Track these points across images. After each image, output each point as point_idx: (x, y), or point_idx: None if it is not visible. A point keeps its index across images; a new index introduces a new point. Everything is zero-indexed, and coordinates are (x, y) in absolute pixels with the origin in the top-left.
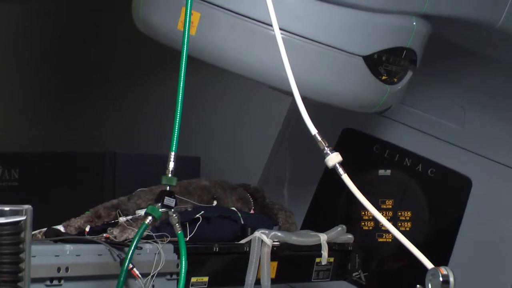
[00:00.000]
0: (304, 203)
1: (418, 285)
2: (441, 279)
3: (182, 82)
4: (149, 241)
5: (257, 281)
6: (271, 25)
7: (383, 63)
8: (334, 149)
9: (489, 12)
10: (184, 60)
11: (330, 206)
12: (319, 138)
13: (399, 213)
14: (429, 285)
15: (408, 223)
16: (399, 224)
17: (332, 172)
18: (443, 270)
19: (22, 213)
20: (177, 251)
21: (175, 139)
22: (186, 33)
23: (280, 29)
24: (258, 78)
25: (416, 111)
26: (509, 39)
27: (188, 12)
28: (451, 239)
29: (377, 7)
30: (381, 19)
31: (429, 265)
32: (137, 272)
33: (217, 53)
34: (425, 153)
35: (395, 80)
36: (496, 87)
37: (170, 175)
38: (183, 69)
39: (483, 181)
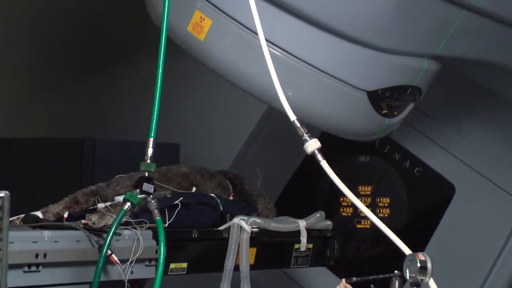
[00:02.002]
0: (275, 190)
1: (396, 271)
2: (418, 265)
3: (161, 68)
4: (127, 227)
5: (236, 267)
6: (277, 46)
7: (386, 99)
8: (321, 137)
9: (504, 53)
10: (163, 46)
11: (302, 193)
12: (298, 124)
13: (378, 200)
14: (407, 271)
15: (387, 210)
16: (378, 211)
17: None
18: (421, 256)
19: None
20: (156, 237)
21: (153, 125)
22: (165, 19)
23: (290, 54)
24: (257, 96)
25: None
26: None
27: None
28: (427, 236)
29: (390, 48)
30: (392, 58)
31: (407, 251)
32: (115, 258)
33: (221, 63)
34: (415, 151)
35: (395, 113)
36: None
37: (148, 161)
38: (162, 55)
39: (467, 192)
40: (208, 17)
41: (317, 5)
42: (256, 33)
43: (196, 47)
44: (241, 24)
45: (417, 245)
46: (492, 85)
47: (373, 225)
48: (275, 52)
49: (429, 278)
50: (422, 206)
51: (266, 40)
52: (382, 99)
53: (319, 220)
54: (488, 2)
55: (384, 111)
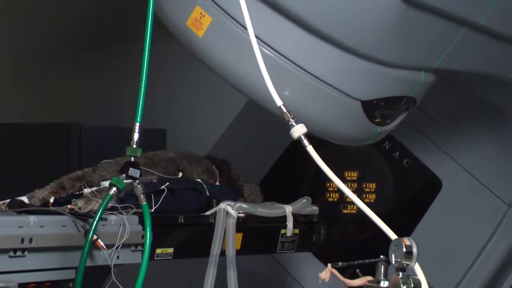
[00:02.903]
0: (259, 174)
1: (381, 256)
2: (404, 249)
3: (147, 53)
4: (114, 212)
5: (222, 253)
6: (276, 50)
7: (380, 108)
8: None
9: (503, 66)
10: (149, 32)
11: (288, 178)
12: (284, 110)
13: (364, 185)
14: (393, 256)
15: (373, 195)
16: (364, 196)
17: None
18: (407, 241)
19: None
20: (142, 222)
21: (140, 110)
22: (151, 5)
23: (288, 59)
24: (253, 98)
25: None
26: None
27: None
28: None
29: (389, 61)
30: (389, 71)
31: (392, 236)
32: (101, 243)
33: (217, 62)
34: (406, 143)
35: (388, 121)
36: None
37: (135, 146)
38: (147, 41)
39: (454, 189)
40: (209, 14)
41: (320, 15)
42: (257, 36)
43: (194, 43)
44: (241, 25)
45: (400, 235)
46: (482, 94)
47: (359, 210)
48: (272, 55)
49: (415, 263)
50: (408, 198)
51: (266, 44)
52: (376, 109)
53: (305, 205)
54: (490, 20)
55: (377, 120)
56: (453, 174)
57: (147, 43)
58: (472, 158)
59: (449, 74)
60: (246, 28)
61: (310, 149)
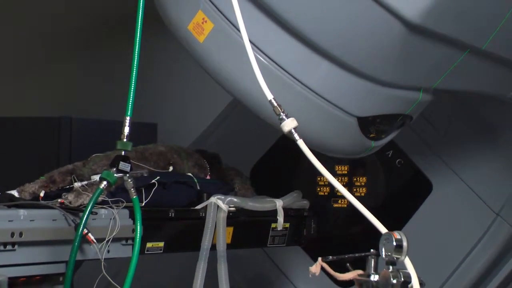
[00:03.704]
0: (247, 166)
1: (372, 250)
2: (394, 243)
3: (137, 47)
4: (104, 206)
5: (213, 246)
6: (278, 64)
7: (375, 124)
8: None
9: (503, 86)
10: (139, 26)
11: (278, 172)
12: (275, 104)
13: (354, 179)
14: (383, 250)
15: (363, 189)
16: (354, 190)
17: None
18: (397, 234)
19: None
20: (132, 216)
21: (130, 103)
22: (142, 1)
23: (288, 73)
24: (247, 104)
25: None
26: None
27: None
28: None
29: (388, 81)
30: (388, 90)
31: (383, 230)
32: (92, 237)
33: (216, 69)
34: (400, 143)
35: (383, 136)
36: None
37: (125, 140)
38: (138, 35)
39: (443, 192)
40: (211, 20)
41: (323, 33)
42: (255, 45)
43: (194, 47)
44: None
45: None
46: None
47: (349, 204)
48: (272, 68)
49: (405, 257)
50: (397, 198)
51: (267, 56)
52: (372, 125)
53: (296, 199)
54: (492, 45)
55: (372, 135)
56: (445, 178)
57: (137, 38)
58: (465, 165)
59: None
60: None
61: (301, 143)
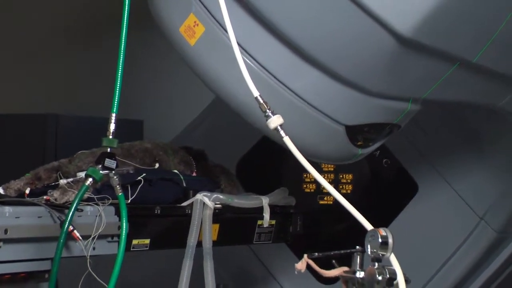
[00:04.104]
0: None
1: (357, 246)
2: (380, 240)
3: (123, 44)
4: (90, 203)
5: (199, 244)
6: (269, 72)
7: (363, 133)
8: None
9: (492, 96)
10: (125, 22)
11: (264, 169)
12: (261, 101)
13: (340, 176)
14: (368, 246)
15: (349, 186)
16: (340, 187)
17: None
18: (382, 231)
19: None
20: (118, 213)
21: (116, 100)
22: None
23: (279, 81)
24: (236, 109)
25: None
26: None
27: None
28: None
29: (378, 92)
30: (377, 100)
31: (368, 226)
32: (77, 234)
33: (206, 73)
34: (387, 143)
35: (370, 144)
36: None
37: (111, 136)
38: (124, 31)
39: (429, 194)
40: (202, 23)
41: (314, 42)
42: (245, 50)
43: (185, 50)
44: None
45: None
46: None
47: (335, 201)
48: (262, 74)
49: (390, 254)
50: (382, 197)
51: (258, 63)
52: (359, 133)
53: (282, 196)
54: (483, 59)
55: (359, 143)
56: (431, 181)
57: (123, 35)
58: (451, 168)
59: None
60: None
61: (287, 140)
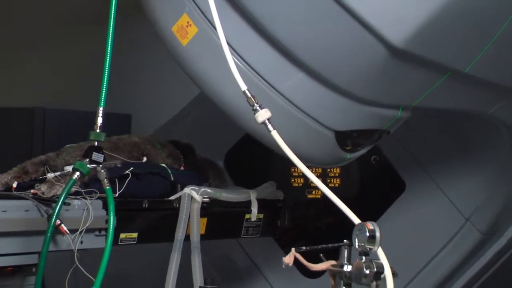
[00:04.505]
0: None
1: (345, 240)
2: (367, 234)
3: (110, 37)
4: (77, 197)
5: (187, 237)
6: (262, 78)
7: (352, 138)
8: None
9: (482, 104)
10: (112, 16)
11: (252, 163)
12: (249, 94)
13: (328, 170)
14: (356, 240)
15: (337, 180)
16: (328, 181)
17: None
18: (370, 225)
19: None
20: (106, 207)
21: (103, 94)
22: None
23: (272, 87)
24: (226, 111)
25: None
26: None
27: None
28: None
29: (369, 99)
30: (367, 108)
31: (356, 220)
32: (65, 228)
33: (198, 74)
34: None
35: (359, 149)
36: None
37: (98, 130)
38: (111, 24)
39: (416, 193)
40: (195, 24)
41: (307, 49)
42: (237, 53)
43: (177, 50)
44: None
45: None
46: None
47: (323, 195)
48: (254, 78)
49: (378, 247)
50: (369, 194)
51: (250, 67)
52: (349, 138)
53: (270, 190)
54: (474, 69)
55: (348, 148)
56: (418, 180)
57: (111, 27)
58: (439, 168)
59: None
60: (229, 45)
61: (275, 133)
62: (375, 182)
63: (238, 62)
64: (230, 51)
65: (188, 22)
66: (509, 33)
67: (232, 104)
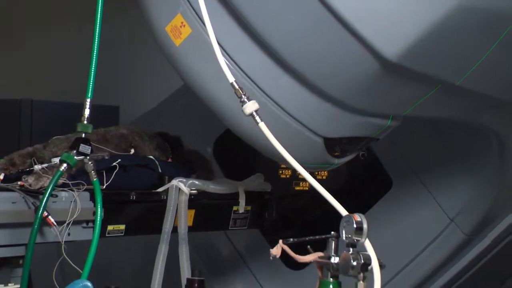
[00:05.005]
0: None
1: (332, 232)
2: (355, 225)
3: (98, 28)
4: (65, 189)
5: (175, 229)
6: (255, 84)
7: (341, 144)
8: None
9: (472, 113)
10: (100, 6)
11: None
12: (237, 86)
13: None
14: (343, 232)
15: (325, 172)
16: (316, 173)
17: None
18: (357, 217)
19: None
20: (93, 199)
21: (90, 85)
22: None
23: (265, 93)
24: (217, 113)
25: None
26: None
27: None
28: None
29: (359, 108)
30: (357, 117)
31: (343, 212)
32: (52, 220)
33: (189, 75)
34: None
35: (347, 154)
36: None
37: (85, 122)
38: (99, 15)
39: (402, 192)
40: (189, 25)
41: (299, 57)
42: (230, 57)
43: (170, 50)
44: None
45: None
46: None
47: (311, 187)
48: (247, 84)
49: (365, 239)
50: (356, 189)
51: (245, 74)
52: (338, 144)
53: (257, 182)
54: (467, 82)
55: (336, 153)
56: (405, 178)
57: (98, 19)
58: (427, 167)
59: None
60: (222, 47)
61: (262, 125)
62: (363, 178)
63: (230, 65)
64: (222, 54)
65: (182, 23)
66: (502, 47)
67: (223, 106)
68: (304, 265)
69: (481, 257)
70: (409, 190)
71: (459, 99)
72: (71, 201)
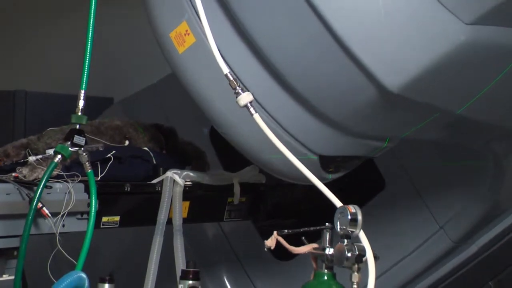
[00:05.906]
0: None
1: (327, 223)
2: (349, 217)
3: (92, 18)
4: (59, 180)
5: (169, 221)
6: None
7: (336, 162)
8: None
9: (470, 139)
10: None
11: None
12: (231, 78)
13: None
14: (338, 223)
15: None
16: None
17: None
18: (352, 208)
19: None
20: (88, 190)
21: (85, 77)
22: None
23: (266, 110)
24: (216, 125)
25: None
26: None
27: None
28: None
29: (358, 132)
30: (354, 139)
31: (338, 203)
32: (46, 211)
33: (190, 83)
34: None
35: (341, 170)
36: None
37: (80, 113)
38: (93, 5)
39: (395, 194)
40: (194, 34)
41: (305, 84)
42: (227, 65)
43: (172, 57)
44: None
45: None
46: None
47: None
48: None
49: (359, 230)
50: (348, 188)
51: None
52: (333, 162)
53: (252, 173)
54: (467, 111)
55: (330, 169)
56: (399, 180)
57: (92, 9)
58: (421, 172)
59: None
60: (224, 59)
61: (257, 117)
62: (355, 177)
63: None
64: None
65: (186, 31)
66: (506, 79)
67: (224, 116)
68: (293, 255)
69: (467, 263)
70: (401, 193)
71: (458, 126)
72: (66, 193)
